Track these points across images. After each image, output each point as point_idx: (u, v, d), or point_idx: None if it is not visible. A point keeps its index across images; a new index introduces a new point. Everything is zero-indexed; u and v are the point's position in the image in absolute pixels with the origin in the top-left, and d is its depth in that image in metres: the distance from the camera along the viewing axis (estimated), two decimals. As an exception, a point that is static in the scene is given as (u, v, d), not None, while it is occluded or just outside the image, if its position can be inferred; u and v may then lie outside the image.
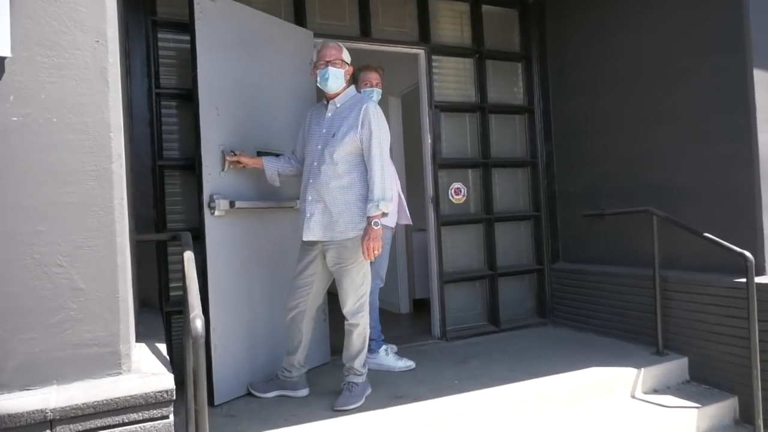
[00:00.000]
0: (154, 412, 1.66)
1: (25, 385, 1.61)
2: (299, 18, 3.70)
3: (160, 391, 1.67)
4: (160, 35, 3.32)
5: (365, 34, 3.94)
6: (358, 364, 2.88)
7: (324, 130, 2.85)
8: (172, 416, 1.71)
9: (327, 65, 2.79)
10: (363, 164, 2.79)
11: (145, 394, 1.64)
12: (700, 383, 3.29)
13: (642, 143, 3.77)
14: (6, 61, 1.60)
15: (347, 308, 2.84)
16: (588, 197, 4.20)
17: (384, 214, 2.75)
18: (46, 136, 1.64)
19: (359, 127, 2.75)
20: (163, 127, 3.32)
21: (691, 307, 3.34)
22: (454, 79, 4.35)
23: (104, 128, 1.70)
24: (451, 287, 4.20)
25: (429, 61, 4.16)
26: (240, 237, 3.03)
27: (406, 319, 5.04)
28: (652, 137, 3.69)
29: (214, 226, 2.87)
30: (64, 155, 1.65)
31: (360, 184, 2.78)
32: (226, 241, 2.94)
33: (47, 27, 1.64)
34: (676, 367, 3.34)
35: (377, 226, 2.70)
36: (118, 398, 1.61)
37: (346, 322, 2.87)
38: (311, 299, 2.91)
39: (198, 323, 1.79)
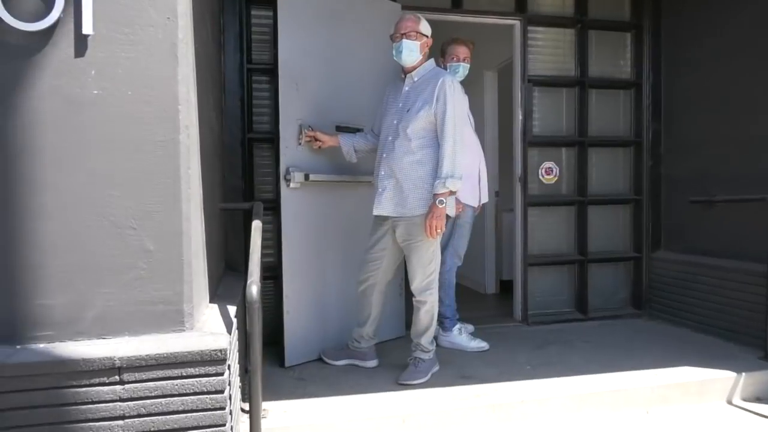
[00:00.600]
0: (209, 368, 1.77)
1: (100, 334, 1.79)
2: (388, -12, 3.66)
3: (215, 350, 1.77)
4: (252, 12, 3.44)
5: (456, 5, 3.82)
6: (425, 340, 2.88)
7: (400, 104, 2.83)
8: (226, 373, 1.82)
9: (402, 37, 2.76)
10: (437, 140, 2.74)
11: (201, 351, 1.76)
12: (813, 395, 2.92)
13: (764, 123, 3.33)
14: (89, 38, 1.74)
15: (415, 285, 2.84)
16: (697, 182, 3.81)
17: (452, 193, 2.69)
18: (121, 108, 1.77)
19: (434, 101, 2.70)
20: (253, 101, 3.46)
21: (809, 309, 2.94)
22: (551, 51, 4.10)
23: (173, 101, 1.81)
24: (535, 270, 4.04)
25: (524, 33, 3.95)
26: (314, 209, 3.12)
27: (490, 299, 4.93)
28: (776, 116, 3.25)
29: (290, 197, 2.97)
30: (136, 126, 1.78)
31: (433, 161, 2.74)
32: (301, 212, 3.04)
33: (124, 5, 1.76)
34: (786, 374, 2.98)
35: (442, 204, 2.65)
36: (177, 353, 1.74)
37: (414, 299, 2.88)
38: (381, 273, 2.95)
39: (254, 289, 1.88)
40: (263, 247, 3.44)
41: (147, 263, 1.82)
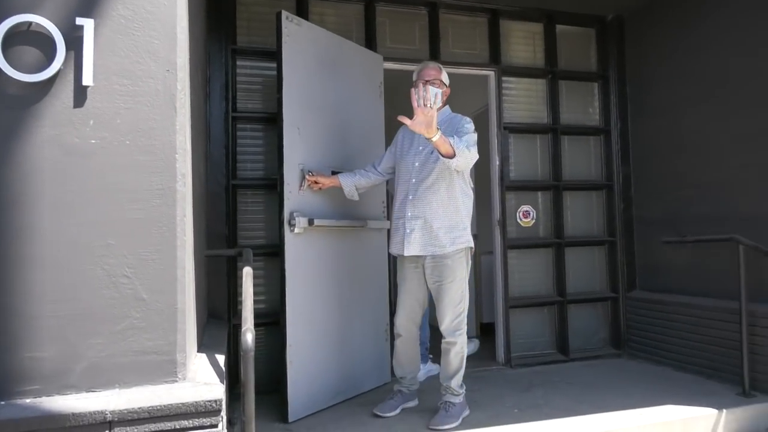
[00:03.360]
0: (204, 420, 1.74)
1: (91, 387, 1.75)
2: (370, 41, 3.81)
3: (209, 401, 1.74)
4: (238, 62, 3.52)
5: (434, 56, 3.97)
6: (455, 383, 2.86)
7: (421, 147, 2.89)
8: (221, 425, 1.78)
9: (426, 84, 2.82)
10: (461, 179, 2.84)
11: (196, 402, 1.73)
12: (793, 431, 2.99)
13: (728, 168, 3.52)
14: (88, 89, 1.77)
15: (444, 326, 2.85)
16: (668, 223, 3.96)
17: (443, 154, 2.62)
18: (119, 157, 1.79)
19: (454, 137, 2.73)
20: (237, 148, 3.50)
21: (782, 345, 3.05)
22: (525, 100, 4.28)
23: (171, 150, 1.83)
24: (517, 312, 4.09)
25: (499, 83, 4.13)
26: (317, 254, 3.10)
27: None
28: (739, 162, 3.44)
29: (293, 243, 2.92)
30: (134, 175, 1.80)
31: (460, 199, 2.83)
32: (305, 258, 3.00)
33: (125, 58, 1.80)
34: (764, 410, 3.05)
35: (436, 137, 2.54)
36: (171, 405, 1.70)
37: (443, 341, 2.87)
38: (416, 314, 2.98)
39: (249, 337, 1.86)
40: (255, 294, 3.46)
41: (140, 312, 1.80)
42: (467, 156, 2.67)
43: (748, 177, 3.39)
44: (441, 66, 2.98)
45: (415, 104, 2.51)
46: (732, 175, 3.49)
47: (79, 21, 1.74)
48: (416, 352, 3.06)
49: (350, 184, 3.07)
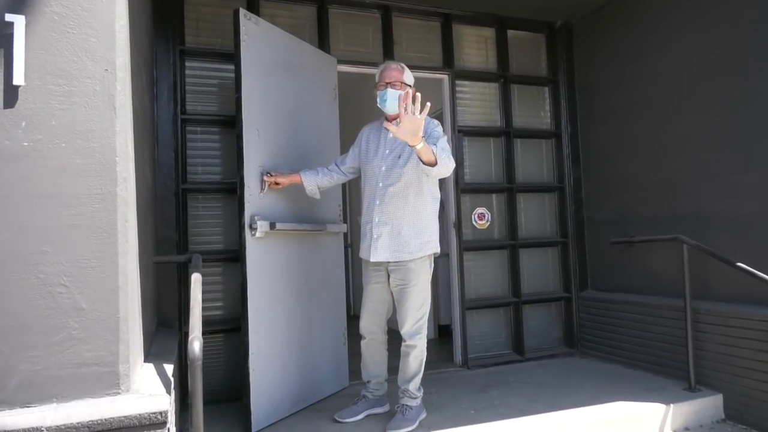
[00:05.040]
0: (148, 433, 1.67)
1: (25, 402, 1.65)
2: (323, 43, 3.77)
3: (154, 412, 1.68)
4: (187, 63, 3.44)
5: (388, 59, 3.97)
6: (413, 386, 2.85)
7: (387, 151, 2.85)
8: (166, 438, 1.72)
9: (386, 86, 2.79)
10: (431, 183, 2.81)
11: (140, 414, 1.66)
12: (736, 422, 3.10)
13: (671, 170, 3.65)
14: (20, 89, 1.68)
15: (405, 329, 2.82)
16: (617, 224, 4.08)
17: (426, 163, 2.58)
18: (54, 161, 1.70)
19: (426, 141, 2.62)
20: (187, 151, 3.41)
21: (725, 340, 3.16)
22: (478, 103, 4.33)
23: (110, 153, 1.76)
24: (473, 314, 4.12)
25: (453, 86, 4.17)
26: (278, 259, 3.02)
27: (429, 345, 4.92)
28: (682, 164, 3.57)
29: (255, 247, 2.84)
30: (71, 179, 1.71)
31: (428, 205, 2.81)
32: (265, 262, 2.92)
33: (59, 57, 1.72)
34: (709, 404, 3.16)
35: (419, 145, 2.50)
36: (113, 418, 1.63)
37: (403, 344, 2.85)
38: (383, 319, 2.96)
39: (196, 345, 1.81)
40: (211, 300, 3.38)
41: (79, 322, 1.71)
42: (447, 165, 2.63)
43: (690, 178, 3.52)
44: (404, 66, 2.91)
45: (402, 111, 2.44)
46: (675, 176, 3.62)
47: (8, 17, 1.65)
48: (382, 356, 3.03)
49: (313, 182, 3.00)
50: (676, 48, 3.61)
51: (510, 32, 4.40)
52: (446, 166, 2.62)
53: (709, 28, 3.39)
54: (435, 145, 2.63)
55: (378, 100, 2.84)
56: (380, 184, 2.82)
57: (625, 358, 3.87)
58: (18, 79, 1.67)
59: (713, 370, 3.23)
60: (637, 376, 3.63)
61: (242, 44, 2.87)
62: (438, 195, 2.91)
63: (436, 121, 2.85)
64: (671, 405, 3.05)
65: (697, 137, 3.47)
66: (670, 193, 3.66)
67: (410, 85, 2.87)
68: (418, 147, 2.49)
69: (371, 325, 2.97)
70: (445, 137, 2.79)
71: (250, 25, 2.94)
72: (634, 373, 3.69)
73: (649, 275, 3.80)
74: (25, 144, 1.67)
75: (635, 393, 3.23)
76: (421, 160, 2.57)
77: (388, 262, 2.84)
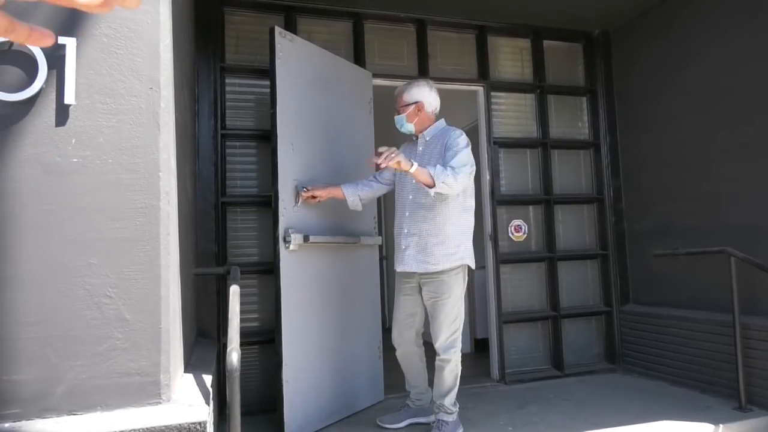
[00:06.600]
0: (188, 442, 1.70)
1: (72, 410, 1.71)
2: (358, 58, 3.82)
3: (194, 422, 1.70)
4: (227, 80, 3.53)
5: (423, 73, 3.99)
6: (448, 401, 2.84)
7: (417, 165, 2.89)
8: (206, 448, 1.74)
9: (397, 113, 2.94)
10: (458, 196, 2.81)
11: (179, 424, 1.69)
12: (790, 444, 2.95)
13: (718, 179, 3.53)
14: (70, 108, 1.75)
15: (439, 343, 2.82)
16: (660, 236, 3.96)
17: (424, 184, 2.65)
18: (101, 176, 1.77)
19: (446, 153, 2.76)
20: (227, 165, 3.49)
21: (776, 358, 3.03)
22: (514, 114, 4.30)
23: (154, 168, 1.82)
24: (511, 328, 4.06)
25: (488, 98, 4.15)
26: (312, 271, 3.06)
27: (465, 359, 4.85)
28: (730, 173, 3.45)
29: (289, 260, 2.87)
30: (116, 193, 1.78)
31: (455, 216, 2.81)
32: (299, 275, 2.95)
33: (107, 76, 1.80)
34: (761, 424, 3.02)
35: (413, 169, 2.59)
36: (154, 427, 1.66)
37: (437, 358, 2.85)
38: (416, 332, 2.99)
39: (234, 357, 1.83)
40: (248, 311, 3.43)
41: (123, 333, 1.76)
42: (451, 184, 2.64)
43: (737, 188, 3.40)
44: (409, 82, 2.99)
45: (380, 159, 2.56)
46: (721, 186, 3.50)
47: (61, 40, 1.73)
48: (418, 368, 3.04)
49: (354, 194, 3.05)
50: (721, 54, 3.51)
51: (546, 42, 4.36)
52: (450, 186, 2.65)
53: (757, 33, 3.29)
54: (454, 157, 2.68)
55: (396, 124, 2.99)
56: (410, 197, 2.88)
57: (670, 375, 3.73)
58: (69, 98, 1.74)
59: (765, 389, 3.09)
60: (683, 394, 3.50)
61: (277, 61, 2.94)
62: (470, 206, 2.90)
63: (458, 131, 2.86)
64: (720, 425, 2.92)
65: (744, 146, 3.36)
66: (716, 204, 3.54)
67: (413, 102, 2.91)
68: (412, 171, 2.58)
69: (401, 337, 2.98)
70: (468, 148, 2.79)
71: (285, 43, 3.00)
72: (679, 391, 3.55)
73: (695, 289, 3.67)
74: (75, 160, 1.75)
75: (682, 412, 3.11)
76: (421, 183, 2.65)
77: (420, 275, 2.85)
